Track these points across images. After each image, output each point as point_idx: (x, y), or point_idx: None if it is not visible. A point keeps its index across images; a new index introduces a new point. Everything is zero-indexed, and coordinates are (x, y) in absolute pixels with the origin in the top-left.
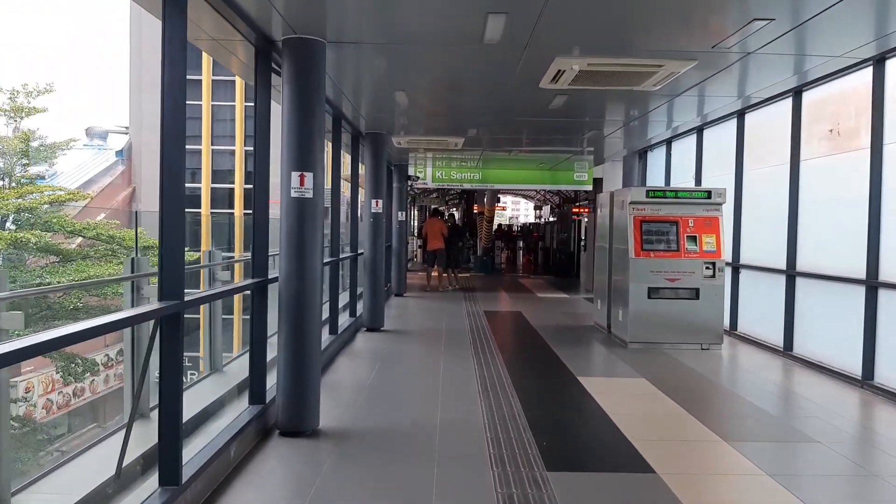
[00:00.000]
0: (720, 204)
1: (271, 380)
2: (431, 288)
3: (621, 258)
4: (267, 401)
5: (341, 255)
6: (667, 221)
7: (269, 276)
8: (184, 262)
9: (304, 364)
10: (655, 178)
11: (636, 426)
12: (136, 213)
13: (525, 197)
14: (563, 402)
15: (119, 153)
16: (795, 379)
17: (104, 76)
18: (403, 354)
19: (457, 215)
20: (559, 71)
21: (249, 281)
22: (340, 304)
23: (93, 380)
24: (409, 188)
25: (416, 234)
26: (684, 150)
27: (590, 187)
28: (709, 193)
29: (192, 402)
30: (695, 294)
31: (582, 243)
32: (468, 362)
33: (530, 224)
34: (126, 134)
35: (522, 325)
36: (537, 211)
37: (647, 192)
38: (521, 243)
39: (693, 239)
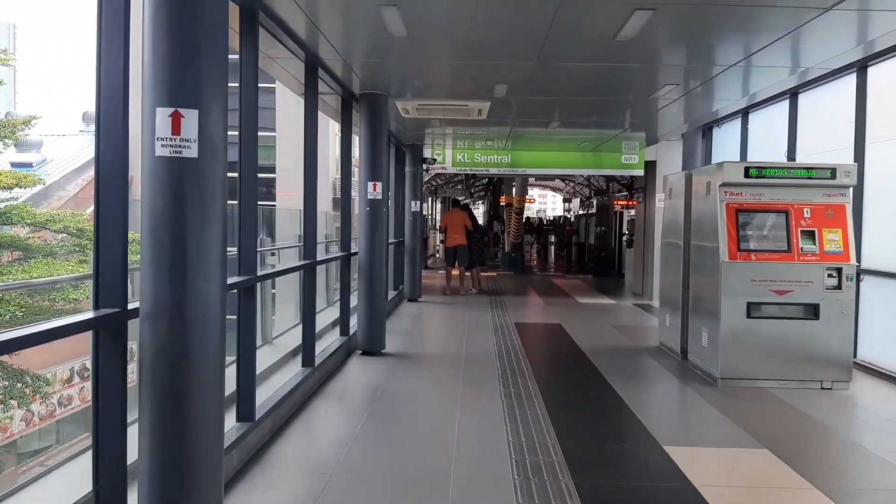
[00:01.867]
0: (848, 187)
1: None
2: (452, 291)
3: (707, 261)
4: None
5: (321, 257)
6: (773, 211)
7: (131, 306)
8: None
9: (188, 476)
10: (727, 154)
11: None
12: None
13: (553, 189)
14: None
15: None
16: None
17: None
18: (404, 398)
19: (482, 208)
20: None
21: (86, 315)
22: (327, 321)
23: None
24: (424, 171)
25: (437, 228)
26: (768, 122)
27: (640, 172)
28: (832, 171)
29: None
30: (812, 312)
31: (624, 237)
32: (496, 415)
33: (560, 217)
34: None
35: (566, 345)
36: (566, 204)
37: (747, 170)
38: (552, 238)
39: (810, 235)
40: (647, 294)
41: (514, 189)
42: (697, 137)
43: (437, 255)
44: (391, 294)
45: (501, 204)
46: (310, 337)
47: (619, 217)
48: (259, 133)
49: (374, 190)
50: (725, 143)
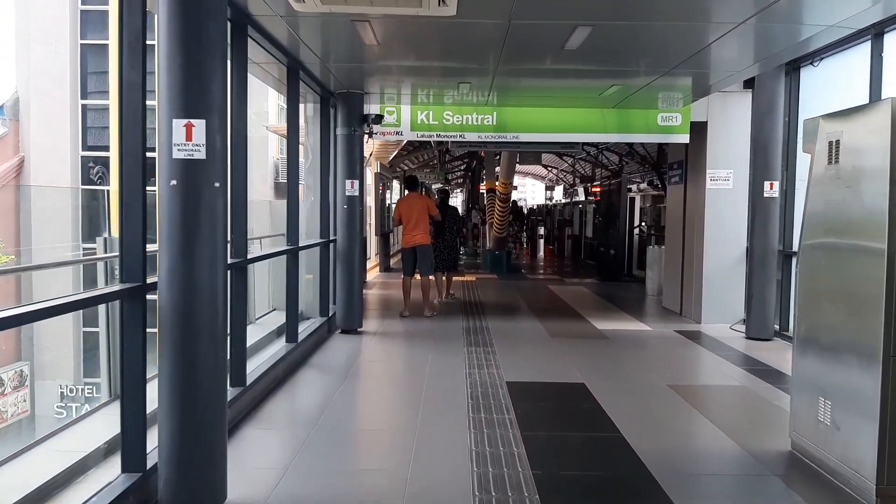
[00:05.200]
0: None
1: None
2: (409, 311)
3: None
4: None
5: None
6: None
7: None
8: None
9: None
10: (828, 106)
11: None
12: None
13: (534, 176)
14: None
15: None
16: None
17: None
18: None
19: (461, 198)
20: None
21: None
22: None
23: None
24: (368, 136)
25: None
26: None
27: (684, 137)
28: None
29: None
30: None
31: (636, 230)
32: None
33: (544, 206)
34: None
35: (612, 453)
36: (549, 192)
37: None
38: (541, 230)
39: None
40: (690, 313)
41: (497, 170)
42: (777, 80)
43: None
44: (313, 325)
45: (482, 191)
46: None
47: (630, 204)
48: None
49: (188, 140)
50: (835, 80)
